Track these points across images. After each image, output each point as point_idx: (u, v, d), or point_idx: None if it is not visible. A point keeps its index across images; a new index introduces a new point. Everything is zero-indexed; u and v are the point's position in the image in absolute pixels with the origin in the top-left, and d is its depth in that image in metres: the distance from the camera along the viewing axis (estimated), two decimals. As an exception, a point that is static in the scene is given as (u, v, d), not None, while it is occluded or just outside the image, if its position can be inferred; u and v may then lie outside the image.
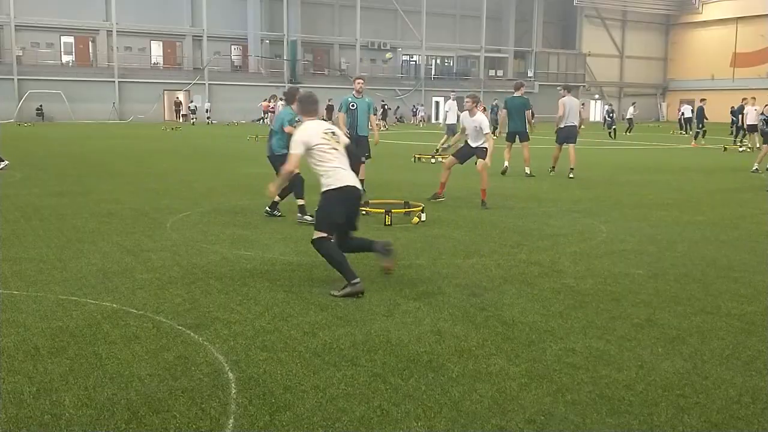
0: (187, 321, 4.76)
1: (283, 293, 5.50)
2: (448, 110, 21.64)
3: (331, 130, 5.84)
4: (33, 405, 3.43)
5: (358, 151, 11.10)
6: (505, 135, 15.75)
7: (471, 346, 4.35)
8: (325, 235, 5.55)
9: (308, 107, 5.98)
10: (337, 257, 5.50)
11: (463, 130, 10.88)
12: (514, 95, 15.25)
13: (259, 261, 6.60)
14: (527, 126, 15.30)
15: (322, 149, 5.64)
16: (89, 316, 4.86)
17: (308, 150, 5.65)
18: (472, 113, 10.44)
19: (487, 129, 10.32)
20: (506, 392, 3.66)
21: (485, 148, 10.33)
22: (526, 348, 4.33)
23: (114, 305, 5.12)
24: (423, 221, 8.78)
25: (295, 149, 5.68)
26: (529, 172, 14.87)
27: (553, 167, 15.49)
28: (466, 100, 10.62)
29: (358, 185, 5.82)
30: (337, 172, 5.62)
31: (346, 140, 6.00)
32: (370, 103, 11.77)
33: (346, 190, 5.60)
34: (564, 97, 15.36)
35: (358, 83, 11.62)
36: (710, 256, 7.04)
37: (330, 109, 38.45)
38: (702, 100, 30.62)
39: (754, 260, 6.89)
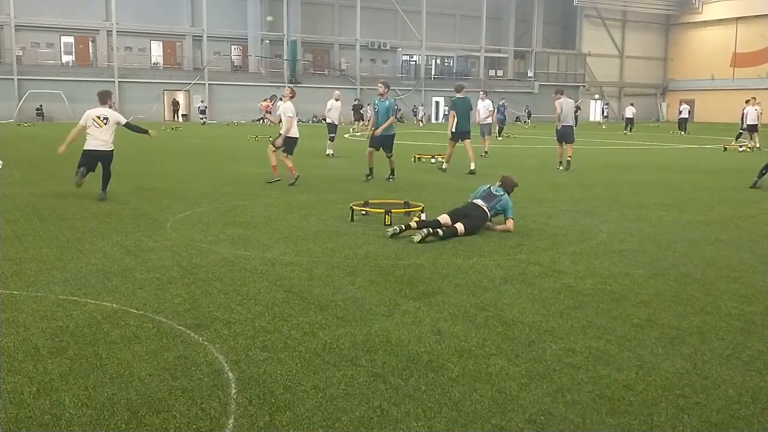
0: (187, 321, 4.76)
1: (283, 293, 5.50)
2: (480, 109, 20.94)
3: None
4: (33, 405, 3.43)
5: (382, 147, 13.26)
6: (450, 134, 15.58)
7: (471, 346, 4.35)
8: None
9: None
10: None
11: (279, 117, 13.00)
12: (459, 96, 15.34)
13: (259, 261, 6.60)
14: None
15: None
16: (89, 316, 4.86)
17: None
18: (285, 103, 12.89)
19: (290, 114, 12.56)
20: (506, 392, 3.66)
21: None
22: (526, 348, 4.32)
23: (114, 305, 5.12)
24: (423, 221, 8.77)
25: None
26: (473, 168, 15.28)
27: (560, 162, 16.62)
28: (287, 91, 12.94)
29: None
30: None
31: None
32: (389, 106, 13.23)
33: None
34: (560, 99, 16.44)
35: (380, 87, 13.31)
36: (710, 256, 7.04)
37: (355, 108, 40.21)
38: (747, 101, 28.94)
39: (754, 260, 6.89)
